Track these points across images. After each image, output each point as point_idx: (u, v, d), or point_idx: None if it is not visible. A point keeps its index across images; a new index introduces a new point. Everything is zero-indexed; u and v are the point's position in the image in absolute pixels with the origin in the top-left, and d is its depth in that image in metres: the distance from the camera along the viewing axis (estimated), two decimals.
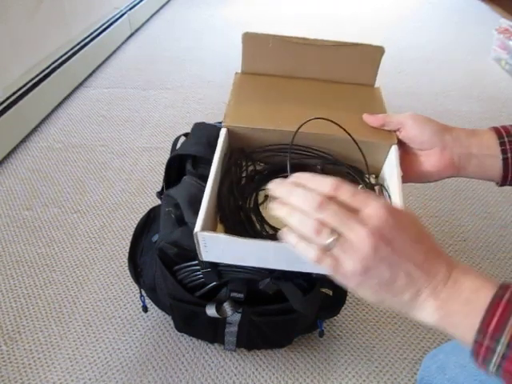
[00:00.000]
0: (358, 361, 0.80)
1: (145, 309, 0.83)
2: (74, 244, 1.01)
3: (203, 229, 0.46)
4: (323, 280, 0.63)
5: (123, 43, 2.02)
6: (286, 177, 0.60)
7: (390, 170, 0.57)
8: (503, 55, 1.86)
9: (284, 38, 0.64)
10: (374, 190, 0.59)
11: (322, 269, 0.37)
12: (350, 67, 0.66)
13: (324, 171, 0.59)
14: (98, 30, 1.78)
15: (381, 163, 0.60)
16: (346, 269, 0.36)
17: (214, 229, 0.55)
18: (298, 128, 0.55)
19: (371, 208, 0.36)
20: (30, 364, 0.78)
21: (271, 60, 0.66)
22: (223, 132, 0.58)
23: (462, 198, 1.18)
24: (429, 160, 0.55)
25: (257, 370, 0.78)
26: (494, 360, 0.33)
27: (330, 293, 0.67)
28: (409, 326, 0.86)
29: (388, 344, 0.83)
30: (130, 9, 2.07)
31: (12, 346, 0.80)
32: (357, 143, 0.57)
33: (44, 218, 1.07)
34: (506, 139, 0.52)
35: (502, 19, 2.00)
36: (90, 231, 1.04)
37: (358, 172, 0.60)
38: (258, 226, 0.56)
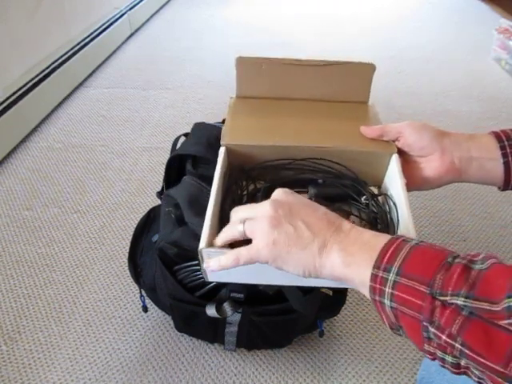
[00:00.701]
0: (358, 361, 0.80)
1: (145, 309, 0.83)
2: (74, 244, 1.01)
3: (208, 245, 0.46)
4: None
5: (123, 43, 2.02)
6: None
7: (393, 178, 0.57)
8: (503, 55, 1.86)
9: (276, 60, 0.64)
10: (378, 200, 0.59)
11: (328, 283, 0.42)
12: (343, 86, 0.67)
13: (326, 184, 0.59)
14: (98, 30, 1.78)
15: (382, 173, 0.61)
16: (259, 231, 0.42)
17: None
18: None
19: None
20: (29, 364, 0.78)
21: (265, 82, 0.66)
22: (222, 151, 0.58)
23: (462, 198, 1.18)
24: (430, 166, 0.55)
25: (257, 369, 0.78)
26: (387, 291, 0.35)
27: (330, 293, 0.67)
28: None
29: (388, 344, 0.83)
30: (130, 9, 2.07)
31: (12, 346, 0.80)
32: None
33: (44, 217, 1.07)
34: (506, 143, 0.52)
35: (502, 19, 2.00)
36: (89, 231, 1.04)
37: (360, 183, 0.59)
38: None
